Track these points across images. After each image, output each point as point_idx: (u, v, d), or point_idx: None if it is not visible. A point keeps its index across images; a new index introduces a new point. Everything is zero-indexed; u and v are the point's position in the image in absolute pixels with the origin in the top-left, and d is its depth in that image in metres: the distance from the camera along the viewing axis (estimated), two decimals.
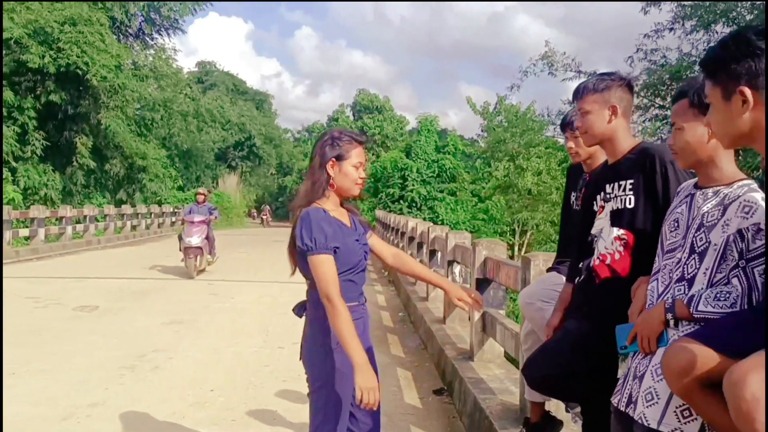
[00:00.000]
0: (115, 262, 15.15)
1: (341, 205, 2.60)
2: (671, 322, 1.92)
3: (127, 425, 4.33)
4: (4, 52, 21.72)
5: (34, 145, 22.29)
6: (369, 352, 2.51)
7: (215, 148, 44.75)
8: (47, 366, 5.76)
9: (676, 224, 2.08)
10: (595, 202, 2.62)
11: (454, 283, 2.93)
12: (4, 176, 20.86)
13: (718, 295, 1.86)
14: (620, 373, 2.29)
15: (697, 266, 1.94)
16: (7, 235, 15.34)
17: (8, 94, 20.43)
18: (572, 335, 2.54)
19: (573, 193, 3.38)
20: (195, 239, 11.89)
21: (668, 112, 14.29)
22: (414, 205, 31.16)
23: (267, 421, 4.47)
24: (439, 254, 8.95)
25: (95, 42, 22.09)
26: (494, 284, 5.27)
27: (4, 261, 14.32)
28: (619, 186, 2.48)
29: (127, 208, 25.00)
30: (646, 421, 1.90)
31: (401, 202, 31.21)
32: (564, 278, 2.90)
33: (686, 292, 1.94)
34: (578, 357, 2.47)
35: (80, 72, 21.75)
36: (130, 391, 5.14)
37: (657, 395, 1.89)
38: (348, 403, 2.51)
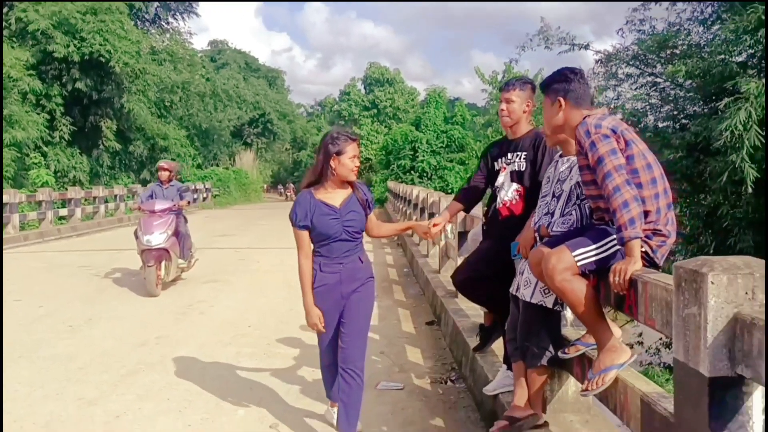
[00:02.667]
0: None
1: (350, 184, 3.46)
2: (537, 237, 3.17)
3: (188, 350, 5.68)
4: (30, 42, 23.04)
5: (61, 130, 23.66)
6: (351, 294, 3.44)
7: (231, 126, 45.98)
8: (118, 314, 7.12)
9: (547, 179, 3.31)
10: (496, 163, 3.98)
11: (419, 223, 3.92)
12: (36, 161, 22.35)
13: (564, 222, 3.09)
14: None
15: (556, 205, 3.18)
16: (49, 214, 16.76)
17: (36, 83, 21.65)
18: (484, 251, 3.91)
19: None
20: (156, 237, 8.11)
21: (657, 80, 15.23)
22: (425, 175, 32.24)
23: (294, 345, 5.79)
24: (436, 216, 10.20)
25: (116, 30, 23.30)
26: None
27: (49, 238, 15.82)
28: (518, 155, 3.86)
29: None
30: (524, 297, 3.16)
31: (412, 172, 32.29)
32: None
33: (550, 221, 3.17)
34: (487, 265, 3.87)
35: (103, 59, 23.01)
36: (185, 328, 6.50)
37: (530, 281, 3.15)
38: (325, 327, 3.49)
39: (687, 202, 12.48)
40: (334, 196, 3.43)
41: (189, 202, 9.00)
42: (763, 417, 1.81)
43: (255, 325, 6.54)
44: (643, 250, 2.60)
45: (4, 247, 13.79)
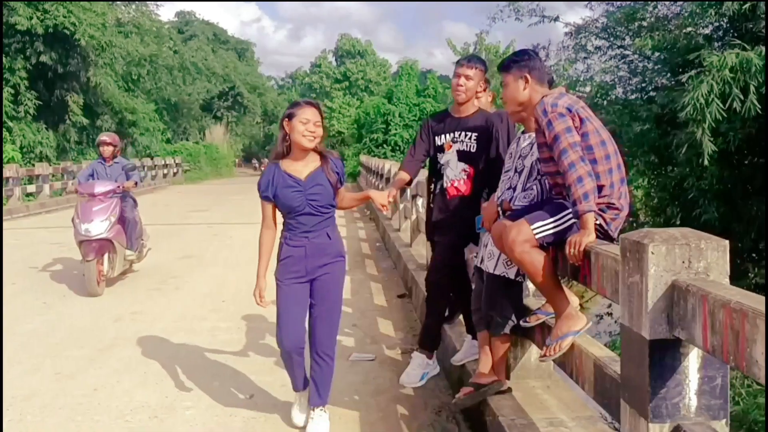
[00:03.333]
0: None
1: (320, 156, 3.36)
2: (500, 211, 3.31)
3: (163, 324, 5.77)
4: None
5: (26, 105, 23.13)
6: (318, 271, 3.38)
7: (200, 100, 45.41)
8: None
9: (510, 155, 3.45)
10: (438, 138, 4.07)
11: (377, 192, 3.69)
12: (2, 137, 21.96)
13: (525, 196, 3.24)
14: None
15: (518, 180, 3.32)
16: (17, 191, 16.54)
17: None
18: (448, 247, 4.16)
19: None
20: (96, 226, 6.86)
21: (626, 52, 15.41)
22: (397, 148, 32.30)
23: (269, 319, 5.89)
24: (408, 191, 10.32)
25: (80, 2, 22.82)
26: None
27: (17, 215, 15.64)
28: (467, 135, 3.99)
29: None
30: (488, 269, 3.32)
31: (384, 146, 32.32)
32: None
33: (512, 195, 3.32)
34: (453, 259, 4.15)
35: (68, 32, 22.53)
36: (160, 303, 6.58)
37: (493, 253, 3.30)
38: (282, 302, 3.41)
39: (654, 174, 12.75)
40: (301, 168, 3.35)
41: (136, 183, 7.61)
42: (698, 376, 1.98)
43: (230, 300, 6.64)
44: (598, 223, 2.75)
45: None
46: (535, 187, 3.23)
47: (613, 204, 2.80)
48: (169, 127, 36.80)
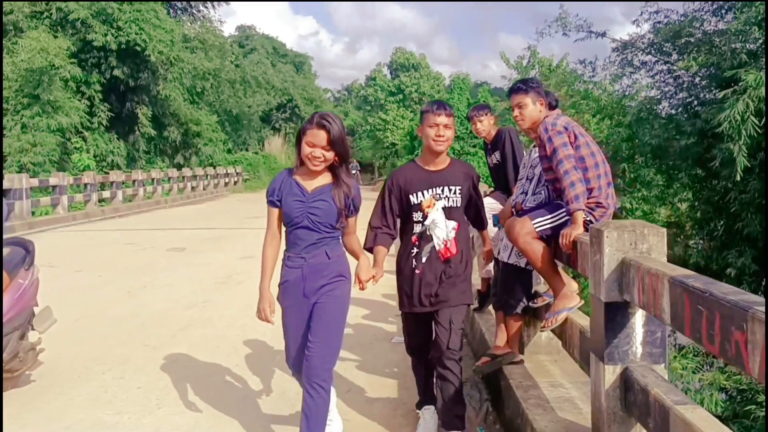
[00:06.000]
0: (185, 217, 17.68)
1: (333, 176, 3.15)
2: (513, 211, 3.98)
3: (231, 311, 6.61)
4: (71, 31, 24.20)
5: (100, 116, 24.79)
6: (317, 293, 3.13)
7: (260, 112, 47.04)
8: (167, 282, 8.11)
9: (524, 165, 4.12)
10: (414, 196, 3.50)
11: (365, 267, 3.29)
12: (78, 145, 23.52)
13: (534, 199, 3.90)
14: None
15: (529, 186, 3.98)
16: (94, 196, 17.93)
17: (76, 70, 22.68)
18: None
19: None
20: None
21: (673, 67, 15.69)
22: None
23: None
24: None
25: (151, 19, 24.39)
26: None
27: (94, 218, 16.97)
28: (450, 190, 3.50)
29: (187, 171, 27.56)
30: (503, 259, 3.99)
31: None
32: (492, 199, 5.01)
33: (524, 199, 3.98)
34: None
35: (139, 48, 24.10)
36: (227, 294, 7.44)
37: (507, 245, 3.97)
38: (286, 327, 3.26)
39: (698, 188, 13.02)
40: (310, 181, 3.17)
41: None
42: (642, 330, 2.62)
43: None
44: (588, 219, 3.40)
45: (56, 226, 14.97)
46: (543, 191, 3.88)
47: (601, 203, 3.45)
48: (230, 138, 38.36)
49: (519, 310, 3.98)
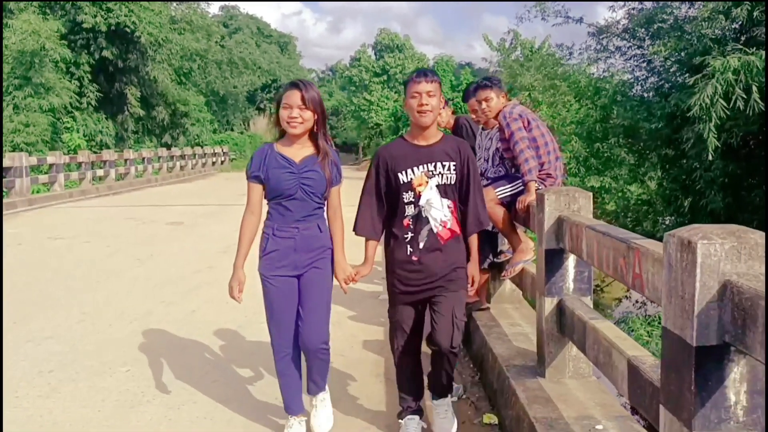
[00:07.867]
0: (177, 195, 18.34)
1: (314, 145, 3.14)
2: None
3: None
4: (60, 12, 24.53)
5: (89, 96, 25.21)
6: (306, 268, 3.14)
7: (245, 92, 47.39)
8: (172, 252, 8.85)
9: (478, 146, 4.89)
10: (402, 174, 3.10)
11: (342, 266, 3.25)
12: (69, 125, 23.96)
13: (495, 172, 4.67)
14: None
15: (487, 165, 4.74)
16: (88, 174, 18.52)
17: (65, 52, 23.04)
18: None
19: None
20: None
21: (645, 53, 16.40)
22: None
23: None
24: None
25: (140, 1, 24.76)
26: None
27: (90, 195, 17.58)
28: (444, 166, 3.11)
29: (176, 151, 28.08)
30: None
31: None
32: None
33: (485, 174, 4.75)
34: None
35: (128, 30, 24.51)
36: (227, 262, 8.04)
37: None
38: (274, 302, 3.22)
39: (667, 167, 13.85)
40: (295, 152, 3.14)
41: None
42: (574, 270, 3.42)
43: None
44: (540, 188, 4.19)
45: (55, 203, 15.58)
46: (501, 167, 4.66)
47: (551, 174, 4.25)
48: (216, 118, 38.80)
49: (486, 265, 4.76)
